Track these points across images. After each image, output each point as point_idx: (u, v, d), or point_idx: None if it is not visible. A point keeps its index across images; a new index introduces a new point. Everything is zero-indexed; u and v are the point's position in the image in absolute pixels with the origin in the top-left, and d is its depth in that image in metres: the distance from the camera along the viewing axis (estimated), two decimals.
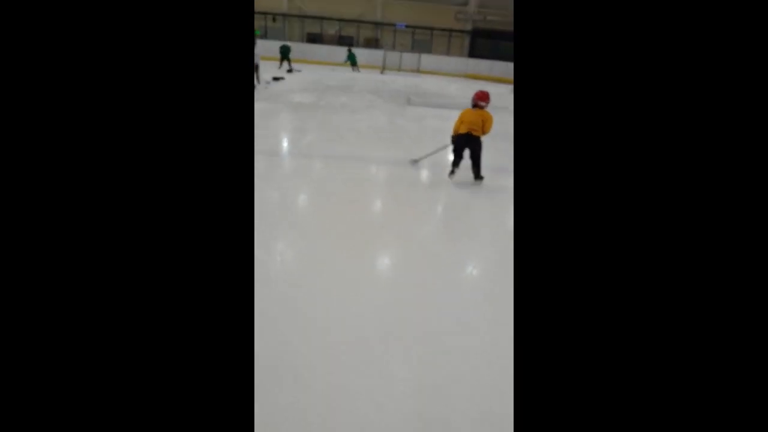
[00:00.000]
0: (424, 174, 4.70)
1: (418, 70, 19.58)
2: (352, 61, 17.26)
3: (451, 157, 4.41)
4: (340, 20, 20.62)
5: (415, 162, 4.92)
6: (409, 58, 19.77)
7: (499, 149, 6.10)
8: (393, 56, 19.47)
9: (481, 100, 4.13)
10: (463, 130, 4.13)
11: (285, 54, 14.44)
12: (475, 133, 4.10)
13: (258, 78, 9.79)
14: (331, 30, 20.86)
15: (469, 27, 21.34)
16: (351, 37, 20.17)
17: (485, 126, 4.12)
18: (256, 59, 9.16)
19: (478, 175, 4.28)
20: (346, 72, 16.63)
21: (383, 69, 18.90)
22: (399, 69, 19.49)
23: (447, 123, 7.62)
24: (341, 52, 19.03)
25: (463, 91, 12.36)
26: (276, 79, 11.66)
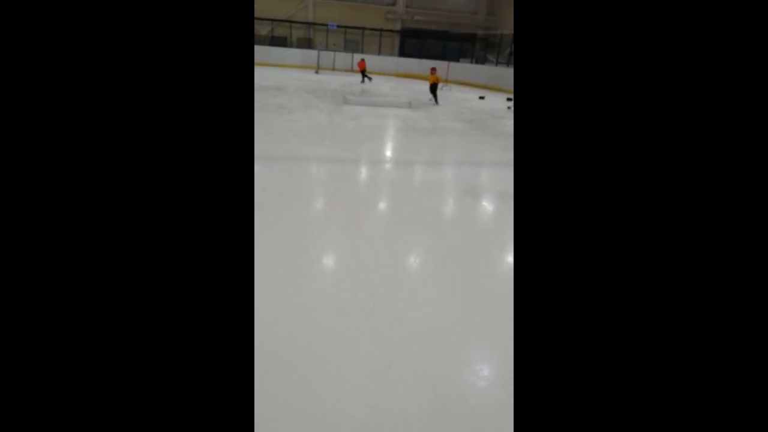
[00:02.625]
0: (363, 171, 5.07)
1: (351, 70, 19.89)
2: None
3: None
4: (273, 20, 20.49)
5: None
6: (342, 57, 20.06)
7: (434, 144, 6.55)
8: (327, 56, 19.67)
9: (432, 72, 11.09)
10: (430, 82, 11.02)
11: None
12: (435, 82, 10.99)
13: None
14: (263, 31, 20.69)
15: (398, 27, 21.97)
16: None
17: (437, 79, 11.23)
18: None
19: (432, 100, 11.06)
20: (282, 72, 16.61)
21: (318, 69, 19.06)
22: (333, 68, 19.70)
23: (384, 121, 8.03)
24: (275, 52, 18.95)
25: (397, 90, 12.77)
26: None
